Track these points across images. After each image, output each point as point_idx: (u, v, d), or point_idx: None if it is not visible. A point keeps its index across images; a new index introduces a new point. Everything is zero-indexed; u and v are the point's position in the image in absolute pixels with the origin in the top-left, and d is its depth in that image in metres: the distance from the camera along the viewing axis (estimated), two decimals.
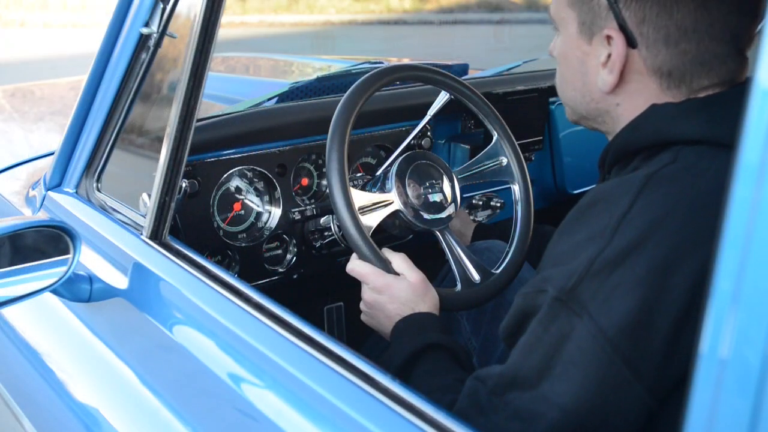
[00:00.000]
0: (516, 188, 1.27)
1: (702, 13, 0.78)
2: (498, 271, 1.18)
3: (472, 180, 1.28)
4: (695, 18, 0.78)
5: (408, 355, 0.96)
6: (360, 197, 1.11)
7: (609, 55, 0.82)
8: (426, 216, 1.18)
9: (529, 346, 0.75)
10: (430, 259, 1.45)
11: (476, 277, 1.16)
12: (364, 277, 1.06)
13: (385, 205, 1.15)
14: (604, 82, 0.84)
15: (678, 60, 0.80)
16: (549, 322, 0.73)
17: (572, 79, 0.90)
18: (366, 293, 1.06)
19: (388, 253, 1.08)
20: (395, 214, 1.16)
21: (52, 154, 1.32)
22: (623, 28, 0.80)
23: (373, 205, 1.13)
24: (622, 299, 0.70)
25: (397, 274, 1.06)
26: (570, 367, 0.71)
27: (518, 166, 1.27)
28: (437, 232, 1.19)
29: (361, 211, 1.09)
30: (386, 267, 1.06)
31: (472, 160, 1.29)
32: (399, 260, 1.07)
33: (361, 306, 1.08)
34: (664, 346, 0.70)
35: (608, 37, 0.82)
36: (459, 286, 1.14)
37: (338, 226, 1.33)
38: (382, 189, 1.19)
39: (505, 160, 1.28)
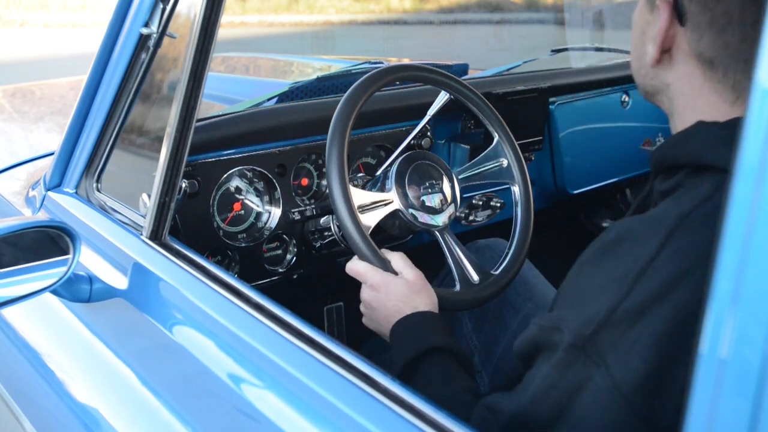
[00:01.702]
0: (516, 189, 1.28)
1: (750, 6, 0.73)
2: (497, 272, 1.18)
3: (472, 181, 1.28)
4: (742, 8, 0.73)
5: (409, 359, 0.95)
6: (360, 196, 1.11)
7: None
8: (425, 216, 1.18)
9: (544, 390, 0.72)
10: (430, 260, 1.45)
11: (475, 277, 1.16)
12: (362, 275, 1.06)
13: (385, 204, 1.15)
14: (648, 54, 0.80)
15: (720, 50, 0.76)
16: (565, 368, 0.70)
17: (633, 48, 0.86)
18: (364, 292, 1.06)
19: (386, 253, 1.08)
20: (395, 214, 1.16)
21: (52, 154, 1.32)
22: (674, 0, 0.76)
23: (373, 204, 1.13)
24: (640, 356, 0.67)
25: (396, 273, 1.06)
26: (584, 420, 0.69)
27: (519, 167, 1.28)
28: (436, 233, 1.19)
29: (361, 209, 1.10)
30: (384, 266, 1.06)
31: (473, 161, 1.30)
32: (397, 259, 1.07)
33: (361, 308, 1.08)
34: (682, 403, 0.68)
35: (659, 8, 0.78)
36: (458, 286, 1.14)
37: (338, 226, 1.33)
38: (382, 189, 1.19)
39: (505, 162, 1.28)
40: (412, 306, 1.02)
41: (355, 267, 1.07)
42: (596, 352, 0.68)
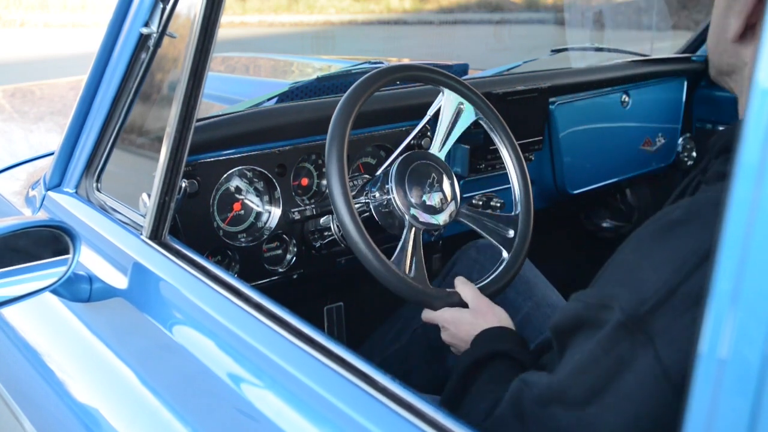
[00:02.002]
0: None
1: None
2: (517, 212, 1.25)
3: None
4: None
5: (472, 361, 0.96)
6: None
7: None
8: (426, 215, 1.18)
9: (584, 365, 0.70)
10: (430, 260, 1.45)
11: (510, 232, 1.23)
12: (434, 320, 1.11)
13: (406, 234, 1.15)
14: (730, 28, 0.76)
15: None
16: (610, 345, 0.68)
17: (714, 23, 0.80)
18: (442, 334, 1.11)
19: (459, 284, 1.14)
20: (393, 210, 1.17)
21: (52, 154, 1.32)
22: None
23: (403, 245, 1.14)
24: (692, 342, 0.63)
25: (465, 304, 1.11)
26: (624, 399, 0.67)
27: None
28: (459, 218, 1.22)
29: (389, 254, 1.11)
30: (447, 298, 1.11)
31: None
32: (467, 291, 1.12)
33: (452, 349, 1.13)
34: None
35: None
36: (504, 253, 1.21)
37: (338, 226, 1.33)
38: (382, 189, 1.19)
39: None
40: (480, 328, 1.05)
41: (427, 315, 1.12)
42: (645, 333, 0.66)
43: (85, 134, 1.21)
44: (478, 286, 1.15)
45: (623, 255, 0.74)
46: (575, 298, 0.76)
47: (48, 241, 0.96)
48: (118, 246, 1.07)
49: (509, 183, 1.29)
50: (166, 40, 1.09)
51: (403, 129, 1.50)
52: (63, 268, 0.95)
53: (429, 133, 1.49)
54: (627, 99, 1.93)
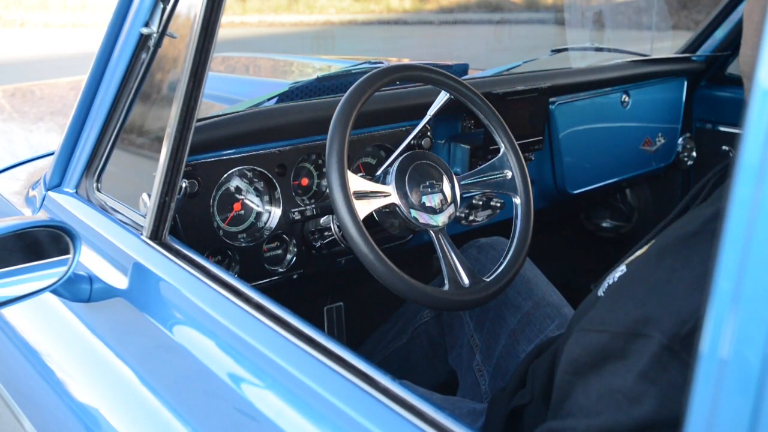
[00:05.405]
0: (517, 201, 1.27)
1: None
2: (489, 279, 1.17)
3: (473, 189, 1.28)
4: None
5: None
6: (358, 183, 1.11)
7: None
8: (425, 216, 1.18)
9: (628, 401, 0.65)
10: (431, 259, 1.45)
11: (466, 281, 1.15)
12: None
13: (384, 196, 1.15)
14: None
15: None
16: (657, 373, 0.64)
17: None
18: None
19: None
20: (393, 210, 1.16)
21: (52, 154, 1.32)
22: None
23: (371, 193, 1.13)
24: None
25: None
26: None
27: (522, 180, 1.28)
28: (432, 233, 1.18)
29: (357, 196, 1.09)
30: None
31: (477, 169, 1.30)
32: None
33: None
34: None
35: None
36: (447, 287, 1.13)
37: (338, 226, 1.33)
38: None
39: (509, 174, 1.29)
40: None
41: None
42: (692, 355, 0.63)
43: (85, 134, 1.21)
44: (481, 284, 1.15)
45: (648, 269, 0.70)
46: (591, 328, 0.71)
47: (48, 241, 0.96)
48: (118, 246, 1.07)
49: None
50: (166, 40, 1.09)
51: (403, 129, 1.50)
52: (63, 268, 0.95)
53: (429, 133, 1.49)
54: (627, 99, 1.93)
